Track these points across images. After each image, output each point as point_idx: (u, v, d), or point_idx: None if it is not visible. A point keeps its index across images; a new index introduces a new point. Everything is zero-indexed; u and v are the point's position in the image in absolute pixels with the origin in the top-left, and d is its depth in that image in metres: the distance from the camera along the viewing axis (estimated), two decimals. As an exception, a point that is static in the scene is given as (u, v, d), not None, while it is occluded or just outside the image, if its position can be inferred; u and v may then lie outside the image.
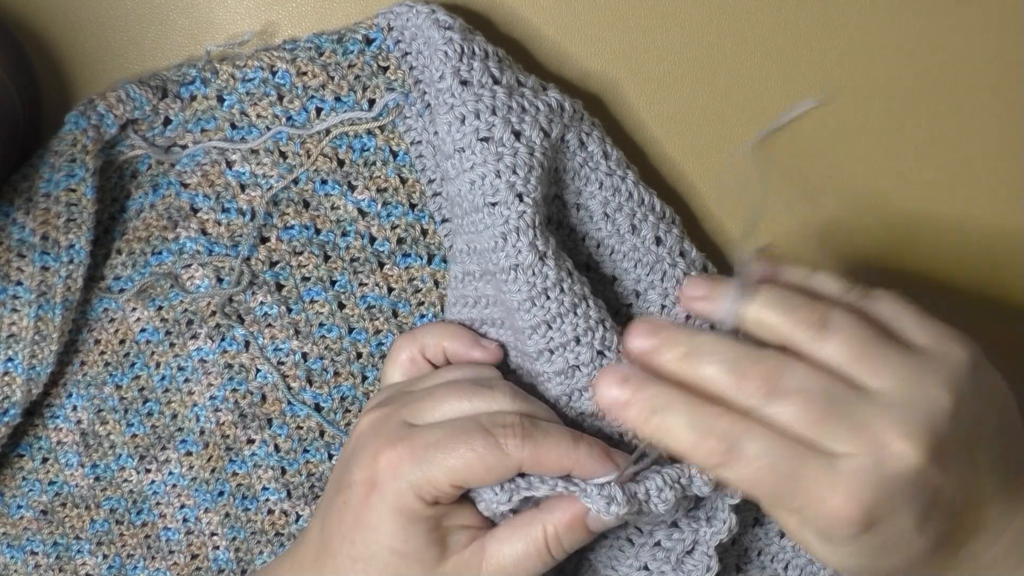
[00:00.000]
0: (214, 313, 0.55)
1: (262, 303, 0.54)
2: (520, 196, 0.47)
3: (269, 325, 0.55)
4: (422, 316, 0.55)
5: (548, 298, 0.47)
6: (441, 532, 0.46)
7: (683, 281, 0.49)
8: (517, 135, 0.47)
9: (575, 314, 0.47)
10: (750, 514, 0.55)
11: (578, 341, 0.48)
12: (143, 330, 0.55)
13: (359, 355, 0.55)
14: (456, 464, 0.44)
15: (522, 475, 0.46)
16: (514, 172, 0.47)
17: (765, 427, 0.41)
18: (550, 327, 0.48)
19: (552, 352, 0.48)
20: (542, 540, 0.45)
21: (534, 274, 0.47)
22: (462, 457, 0.44)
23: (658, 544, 0.50)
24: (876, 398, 0.41)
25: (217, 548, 0.57)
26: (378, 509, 0.45)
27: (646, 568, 0.50)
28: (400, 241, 0.54)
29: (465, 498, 0.46)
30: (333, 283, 0.54)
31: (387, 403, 0.49)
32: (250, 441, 0.56)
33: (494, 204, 0.47)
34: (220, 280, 0.54)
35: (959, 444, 0.42)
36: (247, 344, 0.55)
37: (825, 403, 0.41)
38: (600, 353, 0.48)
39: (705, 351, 0.42)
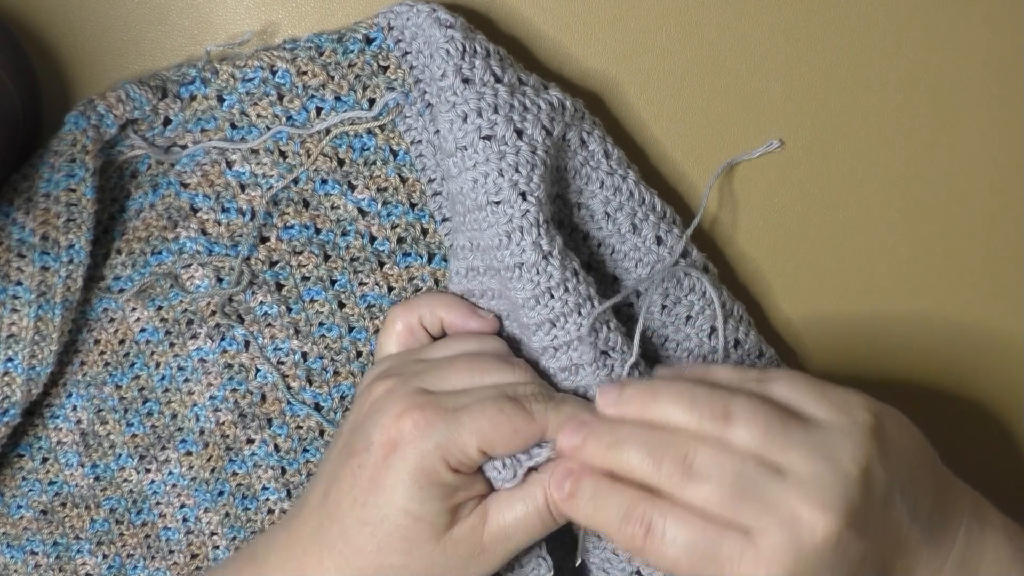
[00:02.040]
0: (214, 313, 0.55)
1: (262, 303, 0.54)
2: (523, 195, 0.47)
3: (269, 325, 0.54)
4: (422, 316, 0.55)
5: (552, 297, 0.47)
6: (455, 501, 0.46)
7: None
8: (519, 133, 0.47)
9: (579, 314, 0.47)
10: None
11: (581, 340, 0.48)
12: (143, 330, 0.55)
13: (359, 354, 0.55)
14: (486, 426, 0.45)
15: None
16: (516, 171, 0.47)
17: (684, 509, 0.43)
18: (554, 325, 0.48)
19: (556, 350, 0.48)
20: (543, 500, 0.46)
21: (538, 273, 0.47)
22: (492, 419, 0.45)
23: None
24: (787, 476, 0.43)
25: (217, 548, 0.57)
26: (397, 469, 0.45)
27: (638, 573, 0.50)
28: (400, 240, 0.54)
29: (479, 470, 0.47)
30: (333, 282, 0.54)
31: (396, 372, 0.49)
32: (250, 441, 0.56)
33: (497, 203, 0.47)
34: (220, 280, 0.54)
35: (875, 506, 0.43)
36: (247, 344, 0.55)
37: (737, 482, 0.42)
38: (604, 353, 0.48)
39: (626, 439, 0.44)
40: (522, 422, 0.45)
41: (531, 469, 0.46)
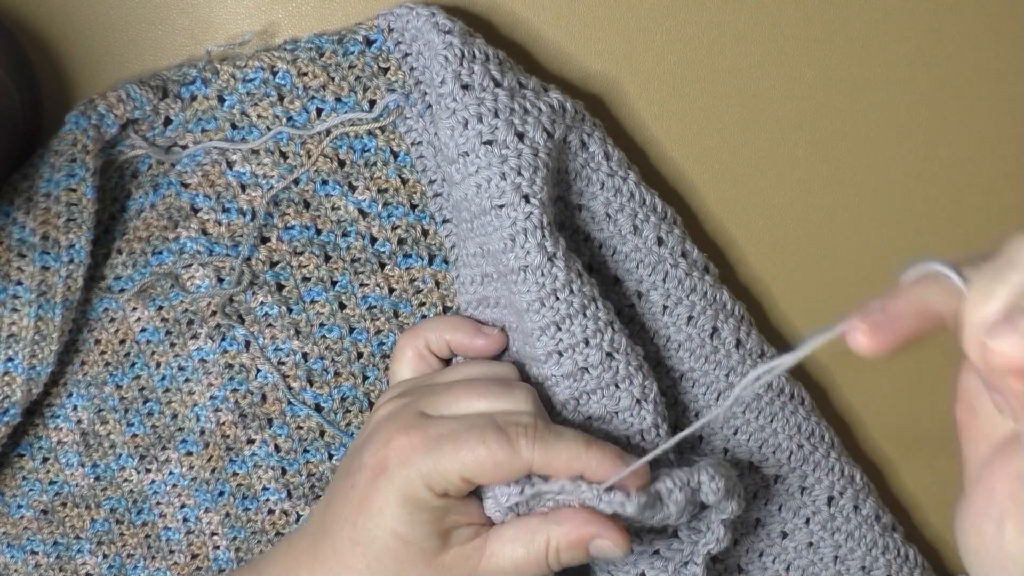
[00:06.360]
0: (214, 313, 0.55)
1: (262, 303, 0.54)
2: (526, 197, 0.47)
3: (269, 325, 0.54)
4: (423, 316, 0.55)
5: (557, 299, 0.47)
6: (447, 524, 0.46)
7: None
8: (520, 136, 0.47)
9: (584, 315, 0.47)
10: (752, 514, 0.55)
11: (587, 343, 0.48)
12: (143, 330, 0.55)
13: (360, 355, 0.55)
14: (467, 457, 0.44)
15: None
16: (519, 174, 0.47)
17: None
18: (559, 328, 0.48)
19: (561, 354, 0.48)
20: (543, 550, 0.46)
21: (543, 275, 0.47)
22: (473, 451, 0.44)
23: (656, 553, 0.50)
24: None
25: (217, 548, 0.57)
26: (385, 492, 0.45)
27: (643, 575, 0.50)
28: (401, 242, 0.54)
29: (474, 494, 0.47)
30: (334, 283, 0.54)
31: (405, 395, 0.49)
32: (250, 441, 0.56)
33: (501, 206, 0.47)
34: (220, 280, 0.54)
35: None
36: (247, 344, 0.55)
37: None
38: (609, 355, 0.48)
39: None
40: (504, 456, 0.44)
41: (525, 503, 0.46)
